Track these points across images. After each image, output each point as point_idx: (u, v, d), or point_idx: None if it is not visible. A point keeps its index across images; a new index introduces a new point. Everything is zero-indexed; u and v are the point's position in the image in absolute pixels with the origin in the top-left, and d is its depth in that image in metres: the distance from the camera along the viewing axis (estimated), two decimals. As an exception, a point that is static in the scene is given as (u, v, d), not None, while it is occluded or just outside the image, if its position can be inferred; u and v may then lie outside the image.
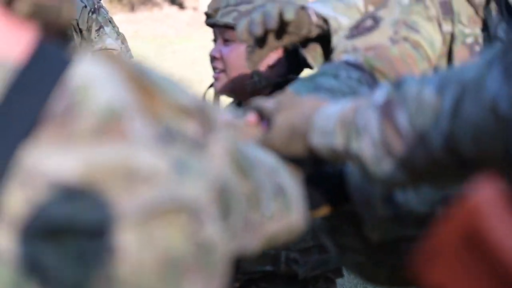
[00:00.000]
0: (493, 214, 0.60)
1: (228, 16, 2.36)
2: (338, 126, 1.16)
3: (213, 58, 2.42)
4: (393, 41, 1.60)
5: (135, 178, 0.77)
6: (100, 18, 3.72)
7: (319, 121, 1.19)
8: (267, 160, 1.10)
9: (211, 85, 2.45)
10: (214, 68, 2.42)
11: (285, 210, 1.08)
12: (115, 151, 0.77)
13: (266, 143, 1.25)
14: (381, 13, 1.64)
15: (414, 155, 1.09)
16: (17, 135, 0.77)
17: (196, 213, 0.81)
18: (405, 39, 1.60)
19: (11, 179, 0.76)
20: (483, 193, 0.61)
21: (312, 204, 1.29)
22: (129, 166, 0.77)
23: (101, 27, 3.71)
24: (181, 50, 10.73)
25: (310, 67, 1.64)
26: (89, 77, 0.79)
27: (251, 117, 1.30)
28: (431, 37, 1.61)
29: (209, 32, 2.48)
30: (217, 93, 2.45)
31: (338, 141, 1.16)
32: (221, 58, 2.39)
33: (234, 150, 0.93)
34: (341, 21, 1.62)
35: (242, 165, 0.94)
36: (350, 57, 1.58)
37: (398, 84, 1.12)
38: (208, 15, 2.42)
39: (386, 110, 1.11)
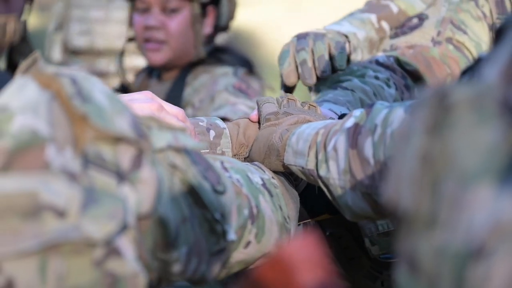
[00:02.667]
0: (301, 265, 0.62)
1: None
2: (310, 150, 1.18)
3: (149, 28, 2.37)
4: (435, 42, 1.58)
5: (40, 210, 0.76)
6: None
7: (293, 141, 1.21)
8: (248, 180, 1.12)
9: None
10: (149, 39, 2.38)
11: (260, 233, 1.10)
12: (21, 182, 0.76)
13: (250, 157, 1.28)
14: (428, 11, 1.62)
15: (378, 187, 1.09)
16: None
17: (102, 245, 0.80)
18: (449, 40, 1.58)
19: None
20: (296, 245, 0.63)
21: (313, 210, 1.31)
22: (37, 197, 0.76)
23: None
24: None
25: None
26: (14, 104, 0.79)
27: (255, 115, 1.35)
28: (478, 38, 1.58)
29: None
30: (157, 66, 2.41)
31: (308, 164, 1.18)
32: (163, 28, 2.37)
33: (187, 175, 0.93)
34: (359, 36, 1.61)
35: (196, 190, 0.94)
36: (381, 57, 1.56)
37: (368, 109, 1.12)
38: None
39: (354, 137, 1.11)
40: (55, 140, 0.78)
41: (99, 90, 0.84)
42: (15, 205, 0.76)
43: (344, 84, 1.50)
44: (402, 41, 1.59)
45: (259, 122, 1.36)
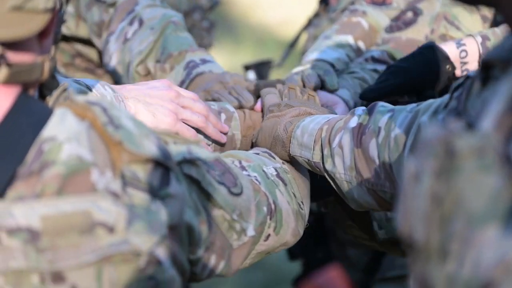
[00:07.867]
0: None
1: None
2: (315, 144, 1.26)
3: None
4: (429, 39, 1.62)
5: (94, 227, 0.88)
6: None
7: (298, 134, 1.30)
8: (265, 176, 1.21)
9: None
10: None
11: (278, 226, 1.20)
12: (76, 203, 0.87)
13: (257, 144, 1.38)
14: (422, 5, 1.66)
15: (383, 185, 1.17)
16: None
17: (145, 254, 0.91)
18: (442, 37, 1.63)
19: None
20: (327, 275, 0.69)
21: (325, 191, 1.37)
22: (91, 215, 0.88)
23: None
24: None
25: None
26: (61, 135, 0.89)
27: (258, 105, 1.46)
28: (471, 32, 1.60)
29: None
30: None
31: (314, 157, 1.27)
32: None
33: (202, 183, 1.03)
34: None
35: (212, 196, 1.04)
36: (376, 52, 1.64)
37: (370, 110, 1.20)
38: None
39: (358, 137, 1.19)
40: (97, 164, 0.90)
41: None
42: (73, 223, 0.88)
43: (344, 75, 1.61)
44: (397, 35, 1.65)
45: (262, 111, 1.46)
